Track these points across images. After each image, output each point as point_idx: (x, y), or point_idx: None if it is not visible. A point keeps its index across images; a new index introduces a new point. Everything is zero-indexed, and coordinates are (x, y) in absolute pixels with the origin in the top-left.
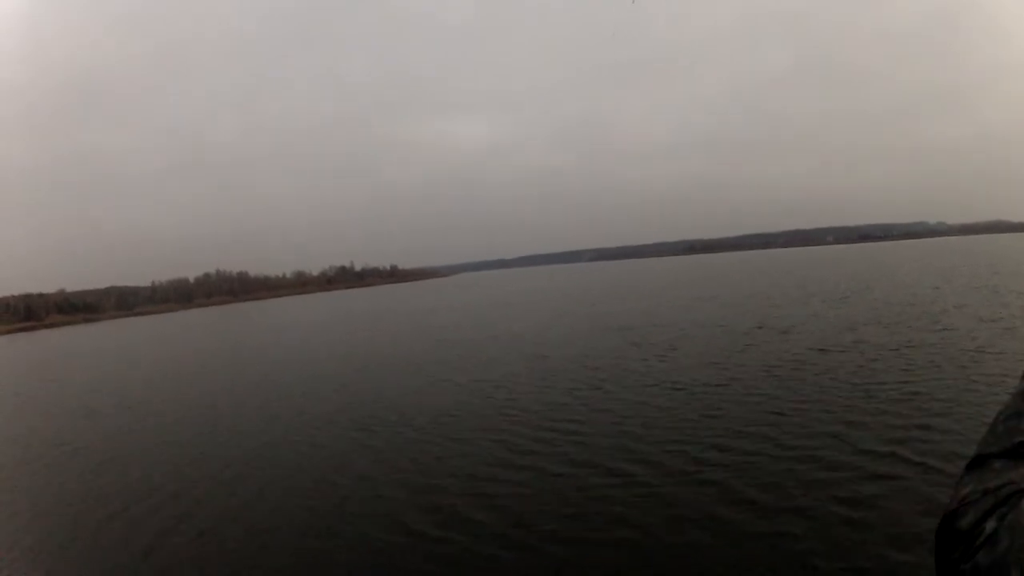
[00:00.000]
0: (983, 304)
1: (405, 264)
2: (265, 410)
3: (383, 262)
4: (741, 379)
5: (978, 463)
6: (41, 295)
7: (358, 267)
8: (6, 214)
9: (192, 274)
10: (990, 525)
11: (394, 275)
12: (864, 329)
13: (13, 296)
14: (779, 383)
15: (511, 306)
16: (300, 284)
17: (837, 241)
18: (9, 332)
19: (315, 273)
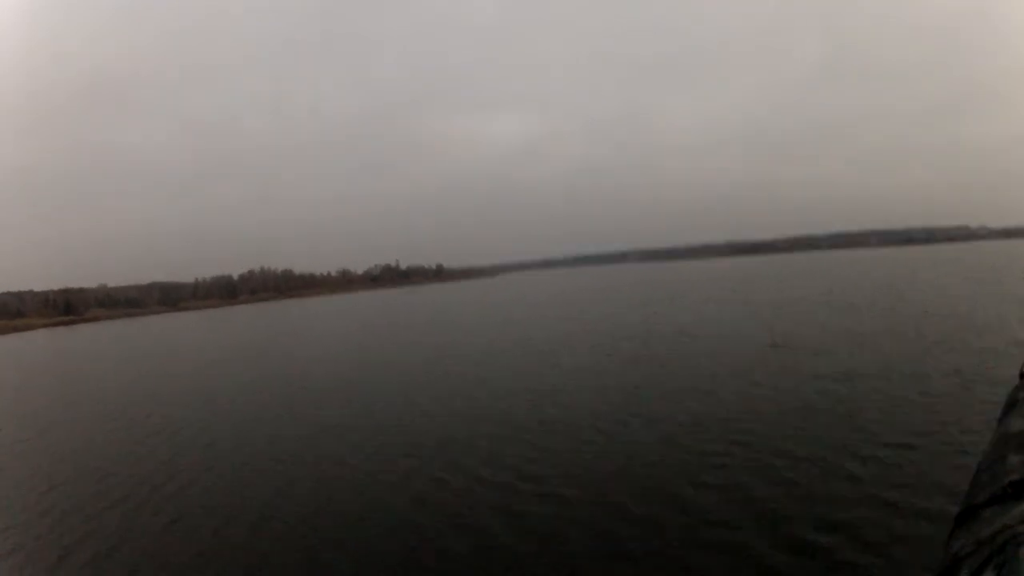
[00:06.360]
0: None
1: (450, 263)
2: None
3: (428, 261)
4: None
5: (967, 516)
6: (81, 290)
7: (403, 266)
8: (50, 213)
9: (237, 271)
10: None
11: (440, 275)
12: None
13: (53, 291)
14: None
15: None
16: (345, 282)
17: (880, 244)
18: (48, 326)
19: (360, 272)
